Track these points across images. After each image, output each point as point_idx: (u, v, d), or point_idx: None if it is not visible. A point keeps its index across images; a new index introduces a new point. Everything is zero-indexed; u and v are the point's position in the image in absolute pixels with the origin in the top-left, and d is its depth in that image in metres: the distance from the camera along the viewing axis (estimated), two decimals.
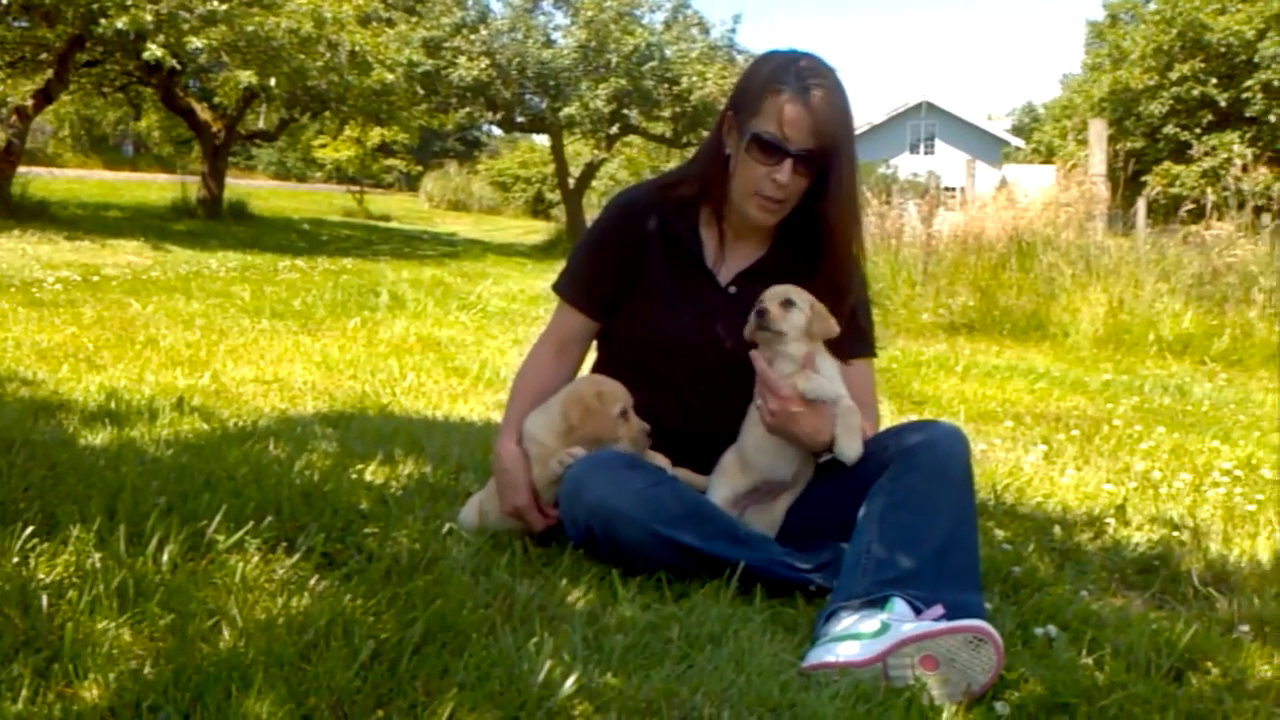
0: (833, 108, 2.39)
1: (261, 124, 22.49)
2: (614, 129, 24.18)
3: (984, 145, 41.62)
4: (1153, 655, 2.16)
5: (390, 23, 19.74)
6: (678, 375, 2.58)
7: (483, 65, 22.33)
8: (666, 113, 23.72)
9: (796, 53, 2.48)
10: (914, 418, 4.50)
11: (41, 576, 2.00)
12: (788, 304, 2.44)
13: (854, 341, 2.61)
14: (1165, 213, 14.62)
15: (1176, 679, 2.11)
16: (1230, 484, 3.92)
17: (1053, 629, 2.28)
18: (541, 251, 20.69)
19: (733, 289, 2.59)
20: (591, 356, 2.81)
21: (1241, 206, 9.75)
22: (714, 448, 2.56)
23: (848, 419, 2.42)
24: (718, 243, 2.62)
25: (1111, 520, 3.35)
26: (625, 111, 23.47)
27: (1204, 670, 2.16)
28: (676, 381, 2.58)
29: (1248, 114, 35.38)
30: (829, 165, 2.41)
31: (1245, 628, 2.42)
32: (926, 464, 2.31)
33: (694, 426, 2.57)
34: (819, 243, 2.53)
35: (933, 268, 10.04)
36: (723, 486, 2.52)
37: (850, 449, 2.39)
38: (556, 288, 2.74)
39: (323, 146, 32.77)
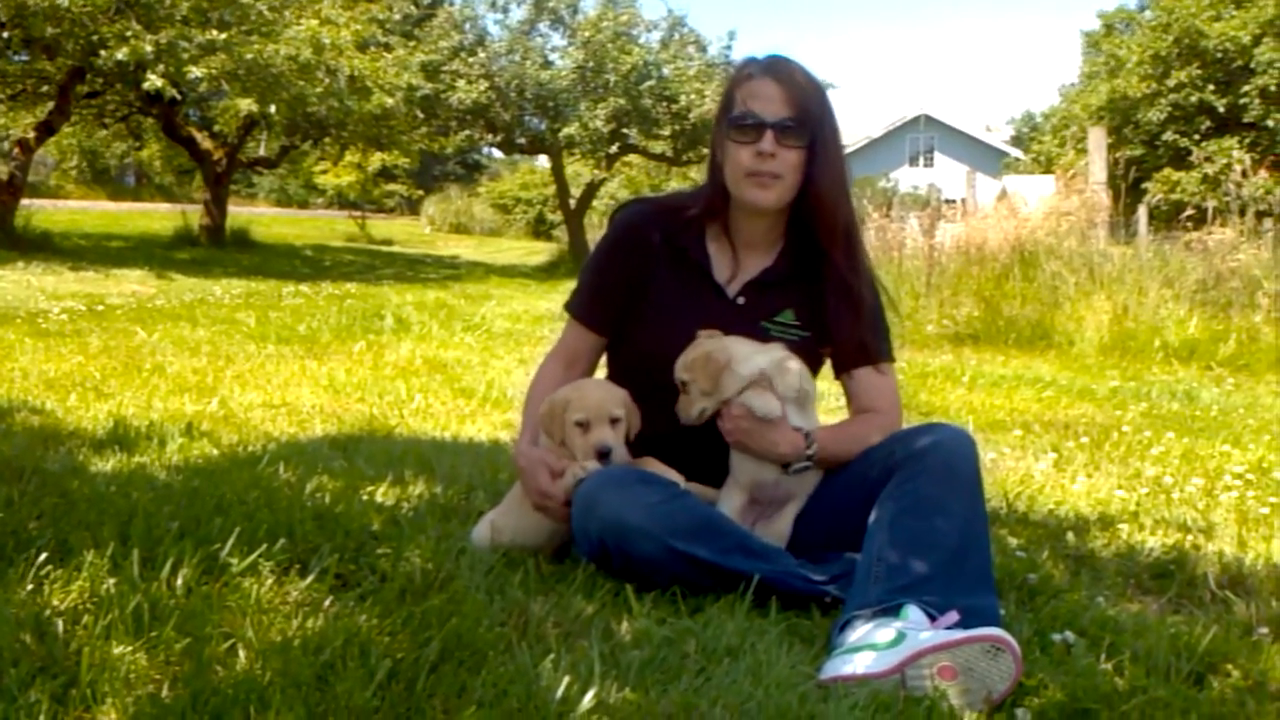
0: (802, 79, 2.48)
1: (262, 151, 22.56)
2: (614, 148, 24.21)
3: (983, 157, 41.67)
4: (1172, 659, 2.15)
5: (388, 47, 19.78)
6: None
7: (482, 88, 22.40)
8: (666, 131, 23.73)
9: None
10: None
11: (56, 603, 2.01)
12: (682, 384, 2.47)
13: (859, 349, 2.61)
14: (1167, 219, 14.63)
15: (1197, 683, 2.10)
16: (1242, 487, 3.91)
17: (1070, 635, 2.27)
18: (544, 272, 20.72)
19: (741, 300, 2.60)
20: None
21: (1243, 212, 9.75)
22: (721, 458, 2.57)
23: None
24: (729, 256, 2.63)
25: (1125, 525, 3.34)
26: (624, 131, 23.51)
27: (1225, 673, 2.15)
28: None
29: (1246, 119, 35.41)
30: (814, 135, 2.45)
31: (1264, 630, 2.41)
32: (934, 467, 2.31)
33: (702, 436, 2.56)
34: (820, 244, 2.55)
35: (936, 279, 10.03)
36: (730, 499, 2.54)
37: (756, 402, 2.42)
38: (567, 306, 2.79)
39: (324, 172, 32.89)
